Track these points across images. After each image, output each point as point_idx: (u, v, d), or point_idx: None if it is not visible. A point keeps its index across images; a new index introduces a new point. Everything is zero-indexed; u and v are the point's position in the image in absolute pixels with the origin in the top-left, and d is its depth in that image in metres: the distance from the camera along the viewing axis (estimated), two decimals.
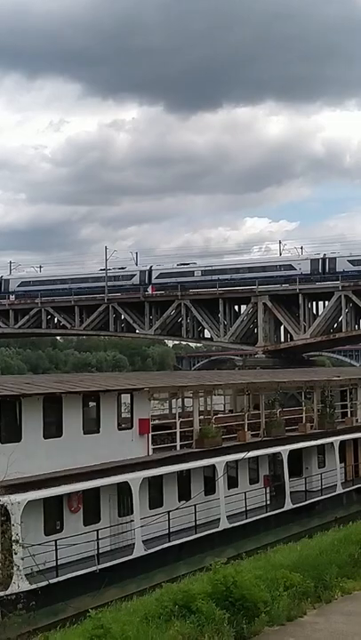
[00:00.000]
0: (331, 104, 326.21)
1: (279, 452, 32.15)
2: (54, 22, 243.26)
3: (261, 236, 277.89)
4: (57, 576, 21.07)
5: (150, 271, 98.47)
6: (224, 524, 28.05)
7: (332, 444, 35.38)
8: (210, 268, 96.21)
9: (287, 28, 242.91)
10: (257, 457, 31.66)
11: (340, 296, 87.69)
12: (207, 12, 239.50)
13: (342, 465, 36.49)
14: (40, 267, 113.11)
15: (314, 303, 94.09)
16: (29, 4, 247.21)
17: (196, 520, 27.24)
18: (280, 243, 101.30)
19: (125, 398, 27.21)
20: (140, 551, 24.18)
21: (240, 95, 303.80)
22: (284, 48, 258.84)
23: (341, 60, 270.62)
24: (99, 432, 25.19)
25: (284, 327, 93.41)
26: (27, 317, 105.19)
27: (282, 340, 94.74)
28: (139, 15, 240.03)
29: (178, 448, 28.41)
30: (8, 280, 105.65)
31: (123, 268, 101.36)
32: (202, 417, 30.82)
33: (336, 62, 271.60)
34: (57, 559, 21.43)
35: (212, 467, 28.57)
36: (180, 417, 29.72)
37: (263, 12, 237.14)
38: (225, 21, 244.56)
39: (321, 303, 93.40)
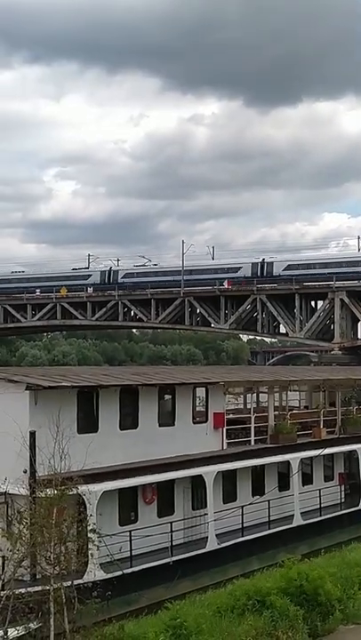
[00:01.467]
0: None
1: (355, 450, 31.82)
2: (135, 18, 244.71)
3: (339, 231, 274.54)
4: (131, 566, 21.32)
5: None
6: (298, 521, 27.91)
7: None
8: None
9: None
10: (332, 454, 31.38)
11: None
12: (287, 8, 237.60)
13: None
14: (118, 260, 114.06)
15: None
16: (111, 0, 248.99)
17: (269, 516, 27.18)
18: (359, 238, 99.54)
19: (200, 392, 27.27)
20: (213, 545, 24.26)
21: (320, 90, 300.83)
22: None
23: None
24: (174, 425, 25.30)
25: None
26: (104, 310, 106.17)
27: (359, 336, 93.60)
28: (219, 11, 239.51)
29: (252, 443, 28.37)
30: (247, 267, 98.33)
31: None
32: (277, 412, 30.68)
33: None
34: (131, 550, 21.68)
35: (287, 463, 28.45)
36: (254, 412, 29.66)
37: (344, 9, 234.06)
38: (305, 18, 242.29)
39: None
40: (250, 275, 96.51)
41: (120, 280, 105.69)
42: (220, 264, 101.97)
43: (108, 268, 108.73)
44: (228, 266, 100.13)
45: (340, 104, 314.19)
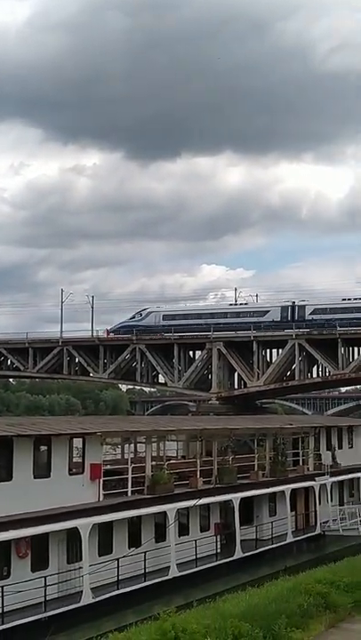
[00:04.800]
0: (288, 157, 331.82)
1: (230, 500, 32.04)
2: (20, 69, 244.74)
3: (218, 283, 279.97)
4: (2, 623, 20.70)
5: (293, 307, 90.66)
6: (174, 572, 27.80)
7: (283, 492, 35.40)
8: None
9: (247, 82, 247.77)
10: (208, 504, 31.53)
11: (294, 344, 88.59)
12: (169, 64, 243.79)
13: (293, 513, 36.48)
14: None
15: (268, 351, 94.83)
16: None
17: (145, 567, 26.98)
18: (235, 290, 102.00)
19: (77, 442, 27.01)
20: (88, 599, 23.85)
21: (199, 145, 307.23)
22: (244, 101, 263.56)
23: (298, 114, 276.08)
24: (49, 477, 24.92)
25: (238, 374, 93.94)
26: None
27: (235, 386, 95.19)
28: (103, 66, 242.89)
29: (129, 494, 28.20)
30: (303, 306, 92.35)
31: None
32: (154, 463, 30.67)
33: (293, 117, 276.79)
34: (3, 606, 21.10)
35: (164, 513, 28.39)
36: (132, 462, 29.56)
37: (223, 66, 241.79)
38: (186, 74, 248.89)
39: (275, 351, 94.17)
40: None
41: None
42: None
43: None
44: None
45: (219, 160, 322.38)
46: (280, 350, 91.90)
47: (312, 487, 37.95)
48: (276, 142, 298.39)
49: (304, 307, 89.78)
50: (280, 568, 30.67)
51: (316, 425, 42.61)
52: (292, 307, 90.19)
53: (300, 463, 39.11)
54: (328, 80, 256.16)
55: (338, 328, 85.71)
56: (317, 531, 37.58)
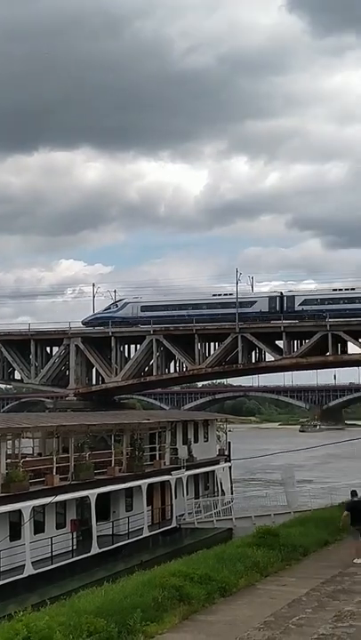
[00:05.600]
0: (146, 154, 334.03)
1: (87, 496, 31.98)
2: None
3: (76, 278, 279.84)
4: None
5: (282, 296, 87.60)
6: (29, 570, 27.47)
7: (140, 487, 35.61)
8: None
9: (104, 78, 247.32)
10: (64, 501, 31.32)
11: (152, 340, 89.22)
12: (25, 57, 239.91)
13: (149, 508, 36.77)
14: None
15: (126, 346, 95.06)
16: None
17: None
18: (93, 285, 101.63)
19: None
20: None
21: (56, 140, 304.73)
22: (100, 97, 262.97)
23: (156, 112, 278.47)
24: None
25: (97, 370, 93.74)
26: None
27: (94, 382, 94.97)
28: None
29: None
30: (293, 297, 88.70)
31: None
32: (9, 460, 30.19)
33: (151, 114, 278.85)
34: None
35: (18, 512, 28.00)
36: None
37: (80, 61, 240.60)
38: (42, 67, 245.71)
39: (133, 346, 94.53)
40: None
41: None
42: None
43: None
44: None
45: (76, 155, 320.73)
46: (138, 346, 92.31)
47: (168, 481, 38.39)
48: (133, 139, 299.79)
49: (293, 297, 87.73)
50: (136, 562, 30.87)
51: (173, 420, 43.11)
52: (281, 297, 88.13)
53: (157, 458, 39.45)
54: (185, 79, 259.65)
55: (328, 319, 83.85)
56: (173, 524, 38.05)
